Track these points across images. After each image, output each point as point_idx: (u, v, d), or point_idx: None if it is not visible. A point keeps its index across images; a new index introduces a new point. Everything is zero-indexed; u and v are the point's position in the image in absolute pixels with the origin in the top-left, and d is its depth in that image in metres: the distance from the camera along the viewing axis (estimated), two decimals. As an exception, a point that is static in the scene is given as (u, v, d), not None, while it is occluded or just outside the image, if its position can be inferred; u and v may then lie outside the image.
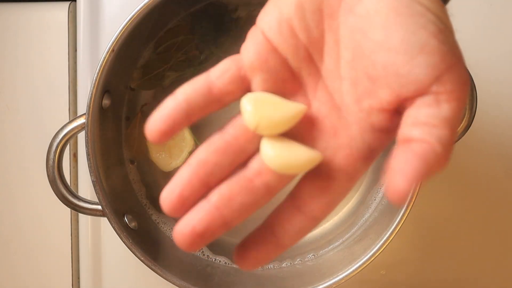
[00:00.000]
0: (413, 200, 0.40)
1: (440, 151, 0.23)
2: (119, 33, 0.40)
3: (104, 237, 0.52)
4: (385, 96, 0.24)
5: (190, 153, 0.49)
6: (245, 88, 0.27)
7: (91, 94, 0.41)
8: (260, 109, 0.26)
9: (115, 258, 0.52)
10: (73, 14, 0.51)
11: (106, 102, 0.44)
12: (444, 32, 0.23)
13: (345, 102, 0.26)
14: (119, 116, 0.48)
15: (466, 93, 0.24)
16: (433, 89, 0.23)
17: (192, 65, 0.49)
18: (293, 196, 0.27)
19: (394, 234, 0.40)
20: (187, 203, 0.25)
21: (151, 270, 0.42)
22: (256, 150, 0.27)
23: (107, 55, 0.41)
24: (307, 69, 0.27)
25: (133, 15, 0.40)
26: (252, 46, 0.27)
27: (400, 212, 0.41)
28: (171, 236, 0.49)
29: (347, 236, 0.48)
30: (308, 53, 0.27)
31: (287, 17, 0.26)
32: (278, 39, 0.26)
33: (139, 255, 0.42)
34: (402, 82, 0.23)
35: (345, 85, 0.26)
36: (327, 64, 0.26)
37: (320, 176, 0.27)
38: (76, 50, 0.52)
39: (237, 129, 0.27)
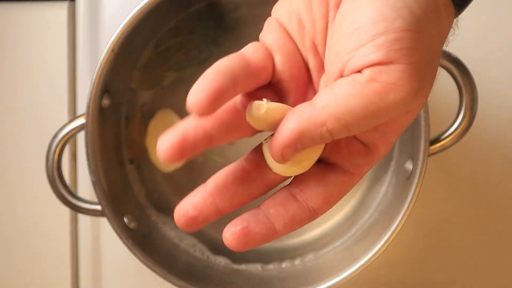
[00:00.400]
0: (414, 200, 0.40)
1: (323, 117, 0.23)
2: (119, 33, 0.40)
3: (103, 238, 0.51)
4: (331, 80, 0.25)
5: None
6: (273, 69, 0.27)
7: (91, 94, 0.41)
8: (264, 120, 0.25)
9: (115, 259, 0.52)
10: (72, 13, 0.51)
11: (105, 102, 0.44)
12: (411, 32, 0.22)
13: None
14: (118, 116, 0.48)
15: (388, 93, 0.23)
16: (364, 71, 0.23)
17: (192, 65, 0.49)
18: (290, 184, 0.27)
19: (394, 235, 0.40)
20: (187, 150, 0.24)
21: (150, 271, 0.42)
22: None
23: (107, 55, 0.41)
24: (313, 60, 0.27)
25: (133, 15, 0.40)
26: (270, 31, 0.27)
27: (401, 212, 0.41)
28: (171, 236, 0.49)
29: (347, 236, 0.47)
30: (314, 45, 0.26)
31: (296, 8, 0.26)
32: (289, 28, 0.27)
33: (138, 255, 0.42)
34: (341, 67, 0.24)
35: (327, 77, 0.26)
36: (326, 56, 0.26)
37: (317, 167, 0.27)
38: (75, 50, 0.51)
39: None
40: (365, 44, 0.23)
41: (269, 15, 0.28)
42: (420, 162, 0.40)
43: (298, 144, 0.24)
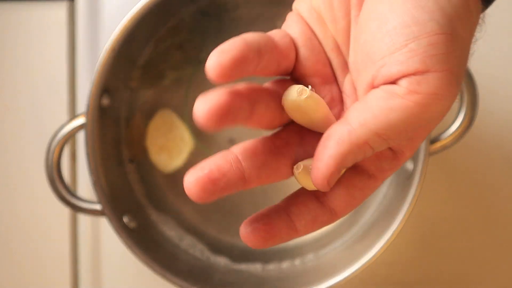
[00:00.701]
0: (414, 200, 0.40)
1: (358, 135, 0.22)
2: (119, 32, 0.40)
3: (103, 237, 0.51)
4: (362, 86, 0.24)
5: (190, 153, 0.49)
6: (294, 62, 0.26)
7: (90, 93, 0.41)
8: (301, 106, 0.25)
9: (115, 258, 0.51)
10: (72, 13, 0.51)
11: (105, 101, 0.43)
12: (446, 34, 0.22)
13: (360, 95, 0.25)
14: (118, 115, 0.48)
15: (430, 104, 0.22)
16: (400, 83, 0.22)
17: (192, 65, 0.49)
18: None
19: (395, 235, 0.40)
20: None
21: (150, 271, 0.42)
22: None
23: (106, 55, 0.41)
24: (336, 60, 0.26)
25: (133, 14, 0.40)
26: (295, 24, 0.26)
27: (401, 212, 0.41)
28: (171, 236, 0.49)
29: (347, 236, 0.47)
30: (337, 44, 0.26)
31: (316, 6, 0.25)
32: (312, 24, 0.26)
33: (138, 255, 0.42)
34: (376, 73, 0.23)
35: (355, 77, 0.25)
36: (350, 56, 0.26)
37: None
38: (75, 49, 0.51)
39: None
40: (399, 50, 0.22)
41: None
42: (420, 162, 0.40)
43: (342, 167, 0.23)
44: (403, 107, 0.22)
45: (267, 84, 0.26)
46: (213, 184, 0.23)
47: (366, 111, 0.23)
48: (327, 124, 0.25)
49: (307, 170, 0.25)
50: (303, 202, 0.26)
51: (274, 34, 0.25)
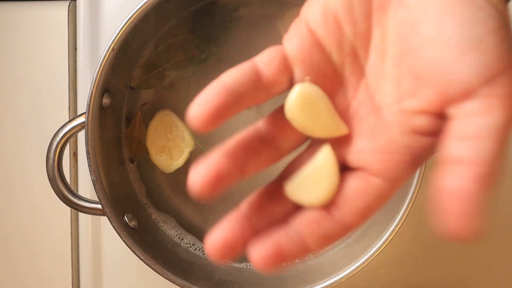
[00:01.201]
0: (413, 199, 0.40)
1: (489, 171, 0.21)
2: (119, 32, 0.41)
3: (104, 237, 0.52)
4: (428, 97, 0.22)
5: (190, 153, 0.49)
6: (290, 80, 0.25)
7: (91, 93, 0.41)
8: (304, 108, 0.24)
9: (115, 258, 0.52)
10: (73, 13, 0.51)
11: (106, 101, 0.44)
12: (505, 29, 0.21)
13: (386, 102, 0.24)
14: (119, 115, 0.48)
15: None
16: (482, 92, 0.21)
17: (192, 65, 0.49)
18: None
19: (394, 233, 0.40)
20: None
21: (151, 270, 0.42)
22: (291, 147, 0.26)
23: (107, 54, 0.41)
24: (350, 66, 0.25)
25: (133, 14, 0.40)
26: (296, 37, 0.25)
27: (400, 211, 0.41)
28: (171, 235, 0.49)
29: (347, 235, 0.48)
30: (353, 49, 0.25)
31: (333, 8, 0.24)
32: (323, 31, 0.25)
33: (139, 254, 0.42)
34: (448, 81, 0.21)
35: (388, 83, 0.24)
36: (372, 61, 0.25)
37: (355, 179, 0.25)
38: (76, 49, 0.52)
39: (273, 127, 0.25)
40: (471, 52, 0.21)
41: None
42: (419, 161, 0.40)
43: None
44: (502, 117, 0.21)
45: (262, 125, 0.26)
46: (231, 248, 0.24)
47: (478, 140, 0.21)
48: (334, 123, 0.25)
49: (298, 185, 0.25)
50: (315, 219, 0.25)
51: (261, 59, 0.25)
